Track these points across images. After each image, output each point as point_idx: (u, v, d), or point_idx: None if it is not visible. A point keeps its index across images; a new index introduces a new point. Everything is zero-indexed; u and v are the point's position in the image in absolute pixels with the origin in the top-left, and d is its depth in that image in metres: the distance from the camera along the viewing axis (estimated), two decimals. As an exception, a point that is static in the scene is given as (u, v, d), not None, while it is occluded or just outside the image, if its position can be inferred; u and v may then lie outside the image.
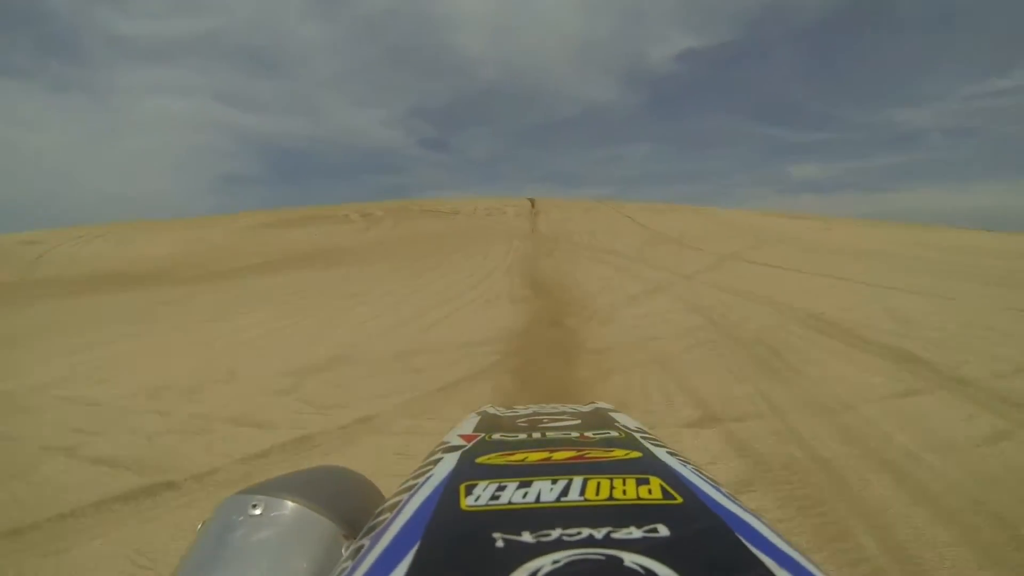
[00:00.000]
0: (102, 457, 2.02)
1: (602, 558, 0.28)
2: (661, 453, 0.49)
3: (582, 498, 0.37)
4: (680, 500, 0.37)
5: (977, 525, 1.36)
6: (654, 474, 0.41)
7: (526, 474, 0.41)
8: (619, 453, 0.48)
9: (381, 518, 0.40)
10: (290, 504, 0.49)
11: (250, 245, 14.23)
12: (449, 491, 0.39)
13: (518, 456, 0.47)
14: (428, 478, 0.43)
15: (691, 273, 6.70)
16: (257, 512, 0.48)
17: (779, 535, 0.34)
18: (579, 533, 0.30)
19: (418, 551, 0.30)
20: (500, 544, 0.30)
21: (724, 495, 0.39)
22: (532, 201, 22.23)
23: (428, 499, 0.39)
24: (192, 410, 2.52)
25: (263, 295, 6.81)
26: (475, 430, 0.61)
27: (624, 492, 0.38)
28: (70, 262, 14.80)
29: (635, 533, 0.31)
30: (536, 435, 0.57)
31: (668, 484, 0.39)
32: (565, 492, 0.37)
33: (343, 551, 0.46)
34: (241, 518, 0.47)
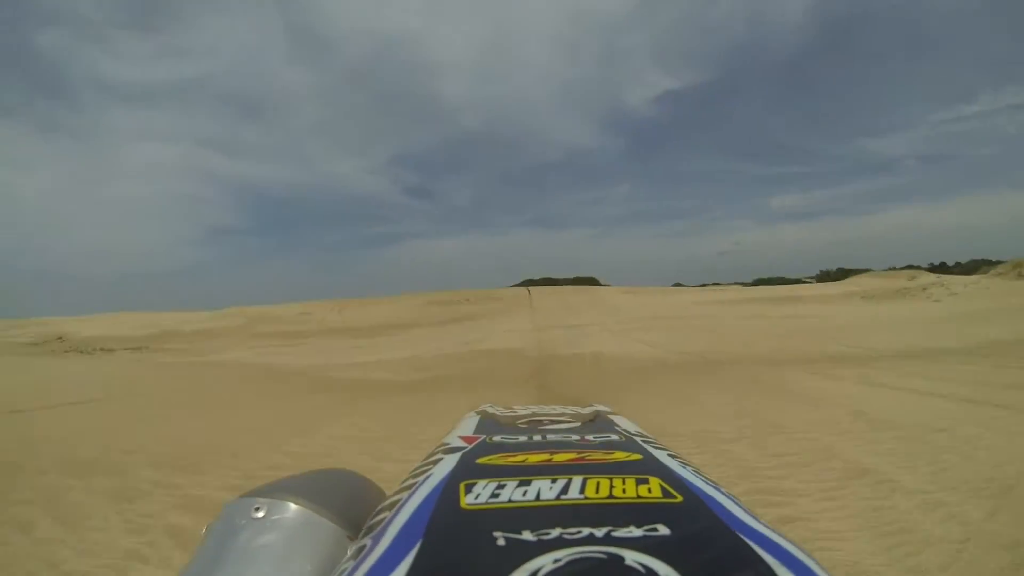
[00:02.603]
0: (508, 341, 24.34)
1: (603, 556, 0.28)
2: (661, 455, 0.49)
3: (582, 496, 0.37)
4: (680, 499, 0.37)
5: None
6: (654, 474, 0.41)
7: (526, 474, 0.41)
8: (619, 455, 0.48)
9: (380, 516, 0.40)
10: (293, 506, 0.49)
11: (427, 314, 36.89)
12: (449, 490, 0.39)
13: (518, 457, 0.47)
14: (428, 477, 0.44)
15: (573, 322, 29.56)
16: (260, 515, 0.48)
17: (779, 533, 0.34)
18: (579, 532, 0.31)
19: (419, 550, 0.31)
20: (501, 543, 0.30)
21: (724, 495, 0.40)
22: (529, 290, 50.59)
23: (428, 498, 0.39)
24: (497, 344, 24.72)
25: (465, 324, 29.24)
26: (475, 431, 0.62)
27: (624, 491, 0.37)
28: (342, 320, 36.91)
29: (635, 531, 0.31)
30: (536, 437, 0.57)
31: (668, 484, 0.39)
32: (565, 490, 0.37)
33: (347, 552, 0.46)
34: (245, 521, 0.47)
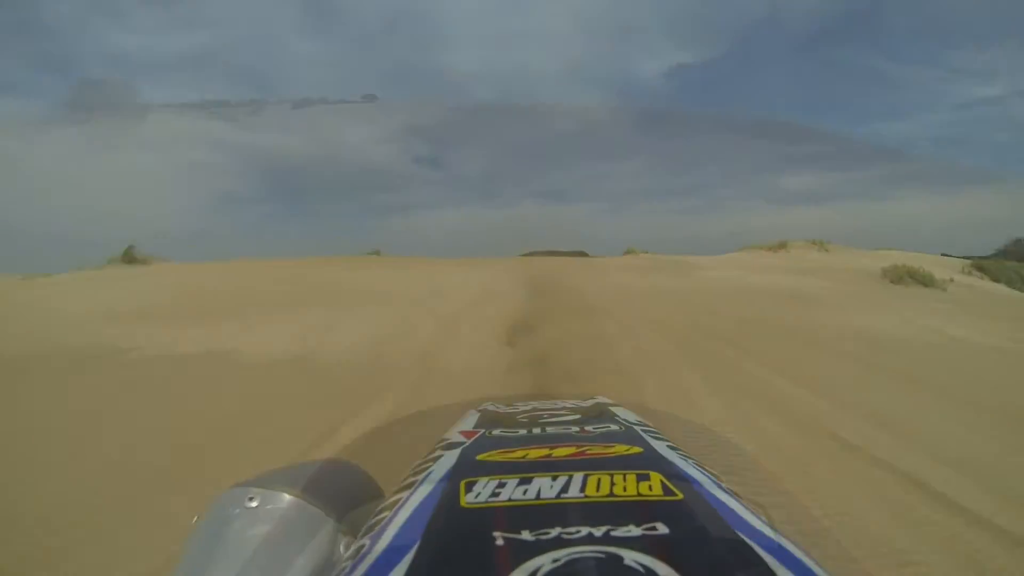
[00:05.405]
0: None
1: (602, 556, 0.28)
2: (662, 447, 0.49)
3: (582, 495, 0.36)
4: (680, 496, 0.37)
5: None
6: (654, 469, 0.41)
7: (526, 471, 0.41)
8: (620, 448, 0.48)
9: (381, 516, 0.40)
10: (287, 497, 0.49)
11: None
12: (449, 488, 0.39)
13: (518, 452, 0.46)
14: (428, 475, 0.44)
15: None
16: (254, 505, 0.48)
17: (778, 532, 0.34)
18: (578, 531, 0.31)
19: (417, 551, 0.30)
20: (500, 543, 0.30)
21: (724, 491, 0.40)
22: (531, 260, 72.46)
23: (428, 497, 0.39)
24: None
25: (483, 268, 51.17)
26: (475, 427, 0.61)
27: (624, 488, 0.37)
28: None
29: (634, 531, 0.31)
30: (536, 431, 0.56)
31: (668, 479, 0.39)
32: (565, 488, 0.37)
33: (340, 546, 0.46)
34: (238, 511, 0.47)
